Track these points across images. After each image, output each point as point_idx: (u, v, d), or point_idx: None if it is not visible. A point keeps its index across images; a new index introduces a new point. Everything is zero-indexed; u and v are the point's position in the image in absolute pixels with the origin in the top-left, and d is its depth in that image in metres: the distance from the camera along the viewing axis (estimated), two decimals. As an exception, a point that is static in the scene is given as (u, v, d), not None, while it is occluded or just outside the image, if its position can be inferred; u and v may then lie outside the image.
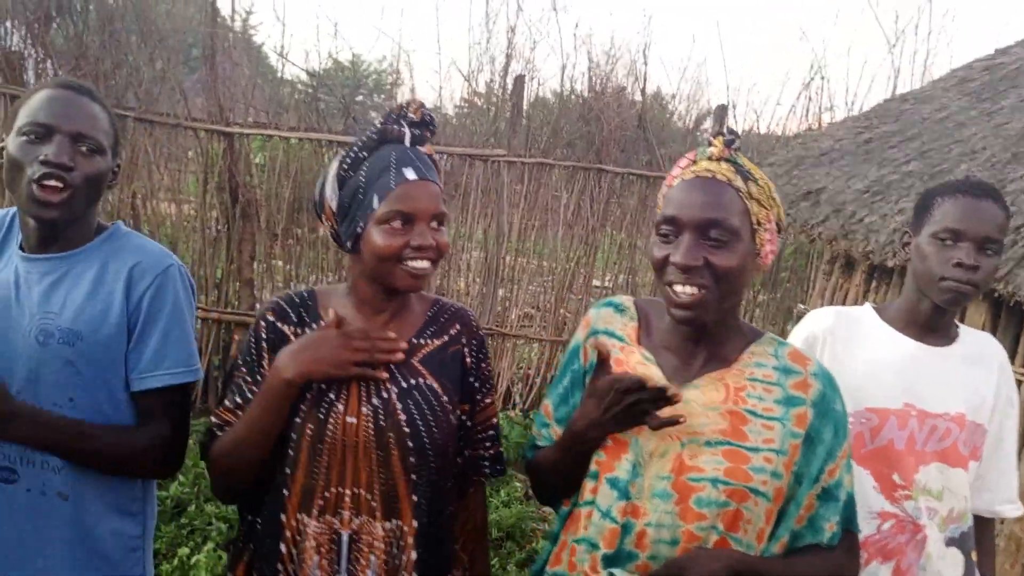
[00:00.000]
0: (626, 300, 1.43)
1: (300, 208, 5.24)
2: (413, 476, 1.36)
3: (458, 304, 1.55)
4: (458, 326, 1.49)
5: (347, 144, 5.22)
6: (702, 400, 1.25)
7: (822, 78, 6.06)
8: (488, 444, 1.53)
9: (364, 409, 1.35)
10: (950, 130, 3.82)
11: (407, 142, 1.37)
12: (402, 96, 5.93)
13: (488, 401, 1.53)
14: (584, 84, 5.66)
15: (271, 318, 1.42)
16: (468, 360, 1.48)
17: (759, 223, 1.23)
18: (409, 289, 1.37)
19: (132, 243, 1.53)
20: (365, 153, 1.34)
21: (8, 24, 4.69)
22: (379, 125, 1.37)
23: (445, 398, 1.41)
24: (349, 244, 1.37)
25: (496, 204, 5.43)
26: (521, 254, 5.68)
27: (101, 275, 1.47)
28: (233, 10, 4.76)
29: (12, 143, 1.38)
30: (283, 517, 1.35)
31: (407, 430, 1.35)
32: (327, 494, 1.34)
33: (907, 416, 1.59)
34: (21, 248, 1.48)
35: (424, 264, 1.33)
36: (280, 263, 5.37)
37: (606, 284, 5.96)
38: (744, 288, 1.25)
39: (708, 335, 1.29)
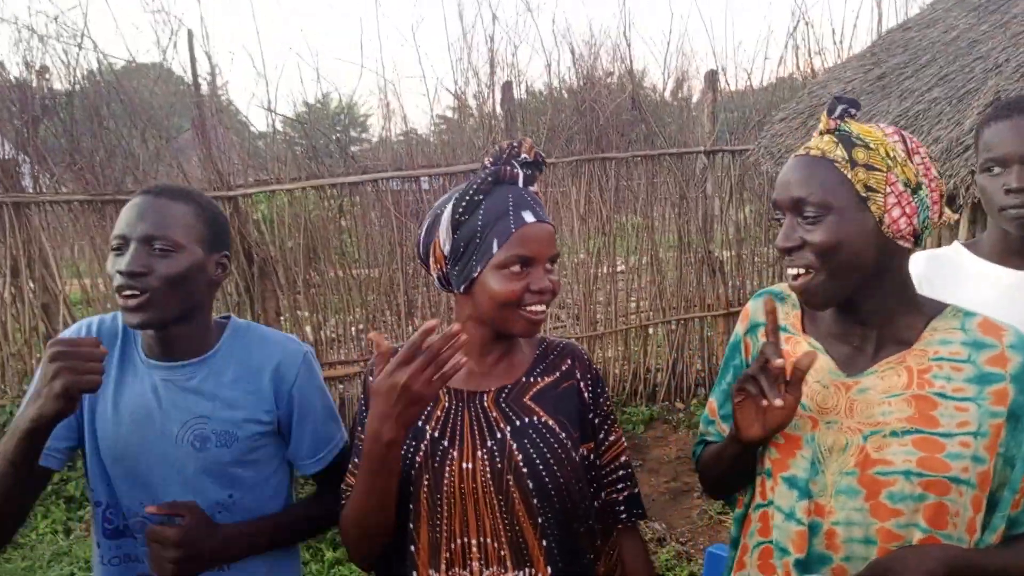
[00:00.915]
0: (786, 288, 1.35)
1: (316, 257, 5.23)
2: (540, 520, 1.31)
3: (567, 340, 1.50)
4: (569, 361, 1.44)
5: (349, 185, 5.25)
6: (881, 387, 1.18)
7: (806, 24, 5.98)
8: (620, 486, 1.46)
9: (479, 453, 1.31)
10: (965, 49, 3.74)
11: (520, 183, 1.34)
12: (395, 127, 5.90)
13: (613, 439, 1.46)
14: (572, 77, 5.62)
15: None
16: (585, 395, 1.42)
17: (869, 188, 1.14)
18: (526, 335, 1.34)
19: (259, 336, 1.55)
20: (480, 196, 1.31)
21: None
22: (491, 166, 1.34)
23: (563, 435, 1.35)
24: (463, 287, 1.33)
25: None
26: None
27: (243, 374, 1.49)
28: (210, 74, 4.73)
29: (108, 262, 1.40)
30: (414, 575, 1.32)
31: (525, 470, 1.30)
32: (453, 546, 1.30)
33: None
34: (148, 356, 1.47)
35: (542, 308, 1.31)
36: (307, 313, 5.36)
37: (631, 267, 5.92)
38: (867, 263, 1.15)
39: (875, 316, 1.21)
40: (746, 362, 1.37)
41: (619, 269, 5.89)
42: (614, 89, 5.85)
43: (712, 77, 5.85)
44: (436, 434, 1.33)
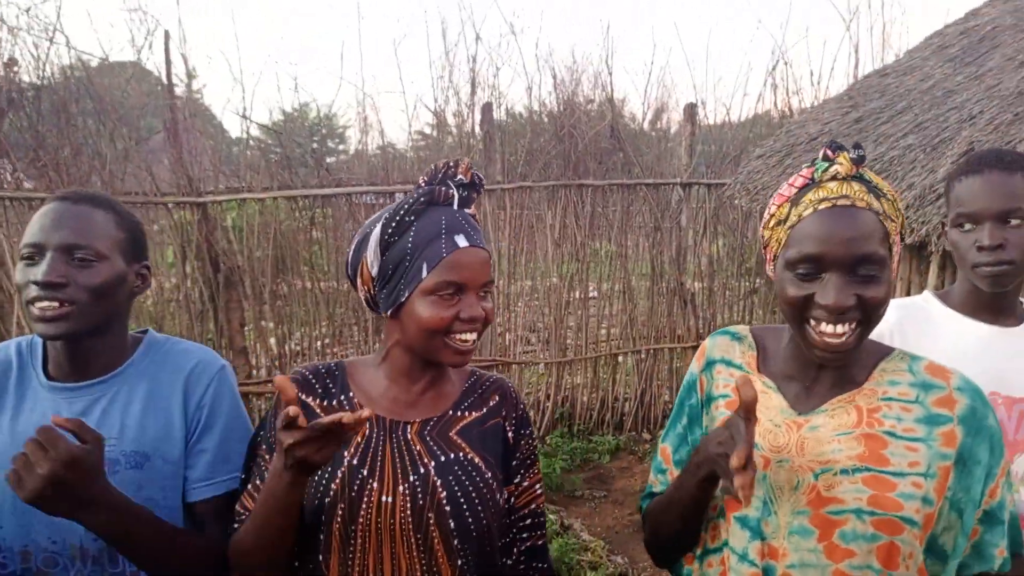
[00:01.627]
0: (742, 329, 1.35)
1: (284, 268, 5.12)
2: (459, 562, 1.24)
3: (496, 375, 1.46)
4: (497, 398, 1.39)
5: (322, 197, 5.16)
6: (832, 425, 1.16)
7: (785, 63, 6.07)
8: (525, 535, 1.39)
9: (401, 487, 1.23)
10: (940, 98, 3.81)
11: (455, 204, 1.28)
12: (372, 140, 5.83)
13: (527, 484, 1.38)
14: (552, 102, 5.61)
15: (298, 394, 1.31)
16: (509, 436, 1.36)
17: (894, 241, 1.14)
18: (454, 365, 1.27)
19: (175, 348, 1.46)
20: (411, 217, 1.24)
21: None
22: (425, 186, 1.27)
23: (488, 474, 1.29)
24: (391, 310, 1.27)
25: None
26: (513, 279, 5.60)
27: (153, 388, 1.39)
28: (186, 77, 4.63)
29: (16, 270, 1.31)
30: None
31: (448, 508, 1.23)
32: None
33: (994, 404, 1.52)
34: (51, 379, 1.37)
35: (472, 336, 1.25)
36: (272, 325, 5.24)
37: (604, 294, 5.89)
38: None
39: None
40: (700, 400, 1.33)
41: (591, 296, 5.86)
42: (594, 116, 5.86)
43: (691, 110, 5.90)
44: (355, 462, 1.25)
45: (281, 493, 1.12)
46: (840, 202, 1.11)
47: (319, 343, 5.35)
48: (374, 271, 1.27)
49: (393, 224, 1.24)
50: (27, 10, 4.35)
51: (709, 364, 1.33)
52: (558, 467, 4.93)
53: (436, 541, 1.22)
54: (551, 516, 4.29)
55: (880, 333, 1.60)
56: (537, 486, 1.39)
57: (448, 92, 5.36)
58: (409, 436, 1.28)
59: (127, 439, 1.34)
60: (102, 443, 1.18)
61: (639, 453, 5.44)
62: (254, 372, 5.26)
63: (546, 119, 5.69)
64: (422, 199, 1.25)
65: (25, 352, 1.41)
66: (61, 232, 1.28)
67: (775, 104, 6.22)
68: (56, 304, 1.26)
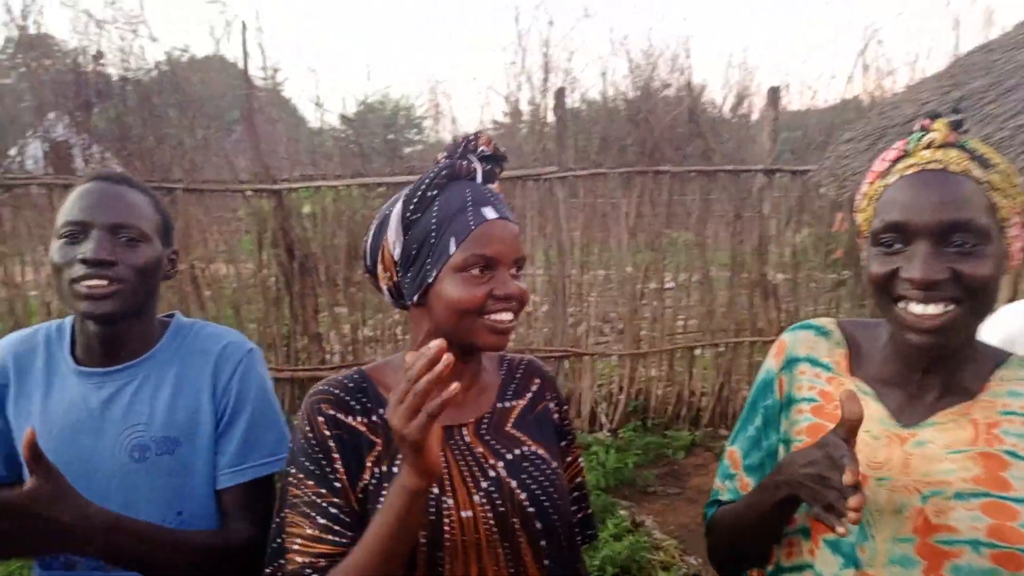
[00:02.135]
0: (828, 323, 1.19)
1: (357, 255, 5.15)
2: (546, 562, 1.15)
3: (525, 355, 1.36)
4: (538, 380, 1.31)
5: (395, 185, 5.16)
6: (943, 441, 1.01)
7: (878, 42, 5.72)
8: (577, 508, 1.33)
9: (476, 497, 1.13)
10: (1053, 73, 3.47)
11: (478, 178, 1.18)
12: (445, 129, 5.81)
13: (571, 459, 1.34)
14: (627, 86, 5.46)
15: (331, 411, 1.14)
16: (555, 417, 1.30)
17: (1005, 219, 0.99)
18: (492, 348, 1.14)
19: (204, 332, 1.43)
20: (434, 191, 1.14)
21: (52, 115, 4.72)
22: (445, 160, 1.18)
23: (555, 463, 1.22)
24: (415, 298, 1.16)
25: (553, 222, 5.25)
26: (586, 269, 5.48)
27: (182, 372, 1.36)
28: (264, 68, 4.70)
29: (53, 248, 1.27)
30: None
31: (532, 510, 1.14)
32: None
33: None
34: (80, 364, 1.35)
35: (508, 316, 1.13)
36: (345, 311, 5.29)
37: (680, 285, 5.70)
38: (994, 302, 1.00)
39: (942, 362, 1.04)
40: (779, 401, 1.19)
41: (667, 286, 5.68)
42: (671, 101, 5.67)
43: (774, 93, 5.62)
44: None
45: (404, 507, 0.98)
46: (930, 166, 0.98)
47: (394, 329, 5.37)
48: (396, 253, 1.15)
49: (415, 200, 1.14)
50: (112, 2, 4.50)
51: (790, 362, 1.19)
52: (630, 462, 4.79)
53: (523, 546, 1.14)
54: (622, 512, 4.17)
55: (1011, 338, 1.40)
56: (579, 458, 1.36)
57: (520, 78, 5.28)
58: (468, 439, 1.18)
59: (157, 424, 1.31)
60: (53, 472, 1.07)
61: (716, 450, 5.24)
62: (327, 357, 5.33)
63: (621, 104, 5.54)
64: (443, 172, 1.15)
65: (53, 337, 1.39)
66: (107, 211, 1.26)
67: (865, 87, 5.87)
68: (105, 282, 1.23)
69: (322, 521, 1.09)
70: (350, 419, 1.15)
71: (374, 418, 1.16)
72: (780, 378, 1.19)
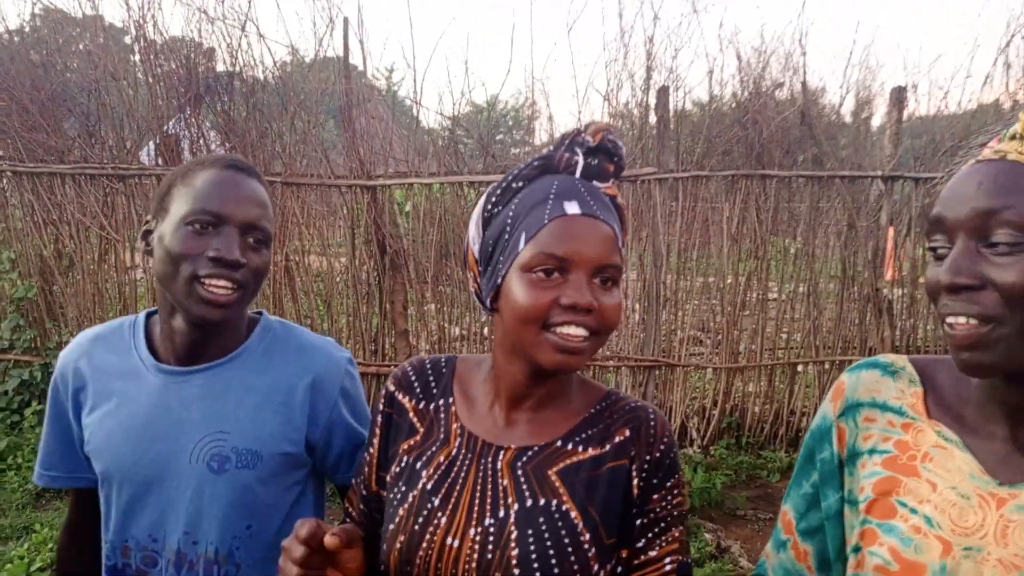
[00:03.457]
0: (898, 359, 1.00)
1: (448, 253, 5.12)
2: None
3: (640, 403, 1.09)
4: (627, 433, 1.04)
5: (488, 184, 5.08)
6: None
7: (1023, 38, 5.19)
8: None
9: (472, 531, 0.99)
10: None
11: (578, 173, 1.02)
12: (542, 128, 5.70)
13: (657, 557, 1.01)
14: (736, 85, 5.17)
15: (391, 387, 1.13)
16: (636, 484, 1.02)
17: None
18: (557, 368, 0.96)
19: (299, 340, 1.33)
20: (520, 183, 1.01)
21: (164, 108, 4.92)
22: (546, 151, 1.04)
23: (586, 536, 0.98)
24: (488, 301, 1.03)
25: (650, 225, 5.04)
26: (683, 275, 5.24)
27: (271, 381, 1.26)
28: (365, 65, 4.73)
29: (173, 233, 1.15)
30: None
31: (516, 571, 0.95)
32: None
33: None
34: (160, 361, 1.26)
35: (577, 331, 0.94)
36: (433, 307, 5.27)
37: (784, 296, 5.36)
38: None
39: None
40: (839, 455, 0.99)
41: (771, 297, 5.36)
42: (782, 101, 5.34)
43: (899, 94, 5.19)
44: (430, 485, 1.03)
45: None
46: (988, 156, 0.81)
47: (481, 329, 5.31)
48: (476, 250, 1.04)
49: (498, 194, 1.02)
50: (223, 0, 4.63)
51: (851, 408, 1.00)
52: (719, 482, 4.53)
53: None
54: (706, 536, 3.93)
55: None
56: (668, 560, 1.02)
57: (622, 76, 5.09)
58: (499, 465, 1.03)
59: (239, 434, 1.22)
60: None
61: (815, 475, 4.89)
62: (414, 354, 5.32)
63: (728, 104, 5.26)
64: (536, 164, 1.01)
65: (127, 333, 1.30)
66: (245, 208, 1.16)
67: (1007, 87, 5.34)
68: (231, 286, 1.14)
69: (358, 480, 1.16)
70: (405, 399, 1.12)
71: (430, 405, 1.10)
72: (839, 426, 1.00)
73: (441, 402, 1.10)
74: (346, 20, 4.90)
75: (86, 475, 1.29)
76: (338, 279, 5.17)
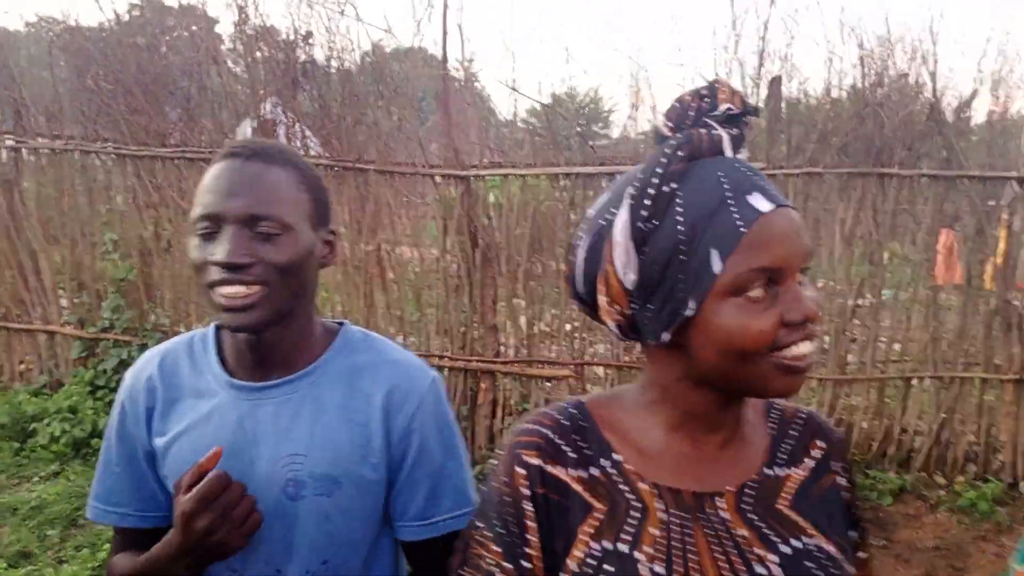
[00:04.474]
0: None
1: (540, 248, 4.95)
2: None
3: (799, 406, 0.99)
4: (822, 443, 0.95)
5: (586, 176, 4.90)
6: None
7: None
8: None
9: None
10: None
11: (727, 150, 0.83)
12: (643, 118, 5.46)
13: (867, 558, 0.98)
14: (857, 76, 4.80)
15: (535, 460, 0.88)
16: (844, 496, 0.94)
17: None
18: (786, 392, 0.82)
19: (378, 352, 1.20)
20: (672, 184, 0.80)
21: (261, 94, 4.91)
22: (674, 134, 0.83)
23: (848, 568, 0.87)
24: (667, 335, 0.83)
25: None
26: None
27: (349, 399, 1.14)
28: (462, 52, 4.61)
29: (190, 244, 1.08)
30: None
31: None
32: None
33: None
34: (232, 376, 1.16)
35: (807, 347, 0.79)
36: (523, 303, 5.12)
37: (901, 303, 4.98)
38: None
39: None
40: None
41: (885, 305, 4.98)
42: (907, 94, 4.93)
43: (1042, 87, 4.73)
44: (658, 568, 0.82)
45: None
46: None
47: (568, 326, 5.13)
48: (629, 280, 0.84)
49: (647, 204, 0.81)
50: (323, -17, 4.57)
51: None
52: (826, 502, 4.22)
53: None
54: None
55: None
56: (869, 557, 1.00)
57: (731, 64, 4.80)
58: (725, 515, 0.86)
59: (316, 457, 1.10)
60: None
61: (931, 500, 4.52)
62: (502, 350, 5.19)
63: (846, 96, 4.90)
64: (679, 153, 0.81)
65: (198, 346, 1.20)
66: (239, 199, 1.04)
67: None
68: (243, 289, 1.03)
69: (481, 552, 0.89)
70: (560, 471, 0.88)
71: (594, 471, 0.88)
72: None
73: (605, 462, 0.89)
74: (445, 3, 4.77)
75: (160, 513, 1.18)
76: (428, 269, 5.07)
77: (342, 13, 4.67)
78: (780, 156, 4.76)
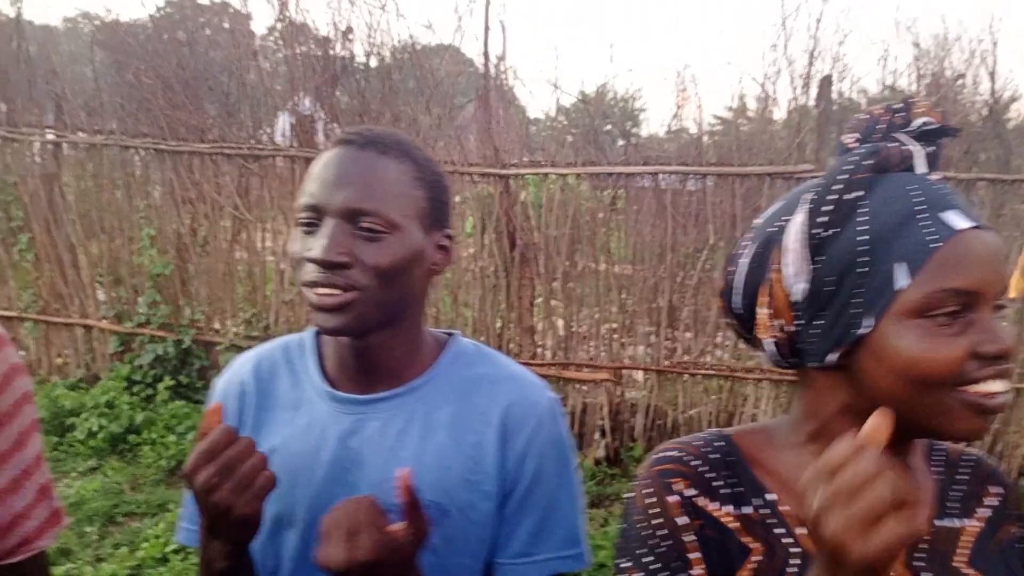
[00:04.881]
0: None
1: (579, 248, 4.86)
2: None
3: (962, 447, 0.89)
4: (994, 488, 0.86)
5: (626, 176, 4.79)
6: None
7: None
8: None
9: None
10: None
11: (920, 167, 0.77)
12: (690, 116, 5.33)
13: None
14: (912, 76, 4.65)
15: (689, 491, 0.81)
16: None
17: None
18: (970, 436, 0.74)
19: (491, 363, 1.10)
20: (857, 192, 0.74)
21: (300, 90, 4.87)
22: (861, 145, 0.77)
23: None
24: (835, 356, 0.76)
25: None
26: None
27: (460, 418, 1.03)
28: (503, 53, 4.52)
29: (292, 234, 1.00)
30: None
31: None
32: None
33: None
34: (333, 386, 1.06)
35: (1000, 386, 0.71)
36: (561, 305, 5.03)
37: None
38: None
39: None
40: None
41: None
42: (964, 94, 4.77)
43: (1107, 88, 4.54)
44: None
45: None
46: None
47: (605, 328, 5.04)
48: (798, 291, 0.77)
49: (827, 207, 0.75)
50: (365, -22, 4.51)
51: None
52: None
53: None
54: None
55: None
56: None
57: (780, 63, 4.66)
58: (896, 573, 0.78)
59: (424, 482, 0.98)
60: (424, 526, 0.89)
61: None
62: (539, 351, 5.11)
63: (900, 97, 4.74)
64: (865, 163, 0.74)
65: (295, 352, 1.11)
66: (344, 191, 0.94)
67: None
68: (336, 291, 0.94)
69: None
70: (714, 507, 0.80)
71: (747, 510, 0.80)
72: None
73: (757, 501, 0.81)
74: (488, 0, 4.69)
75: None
76: (465, 269, 5.01)
77: (383, 8, 4.61)
78: (829, 158, 4.62)
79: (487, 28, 4.65)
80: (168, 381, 4.97)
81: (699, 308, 4.87)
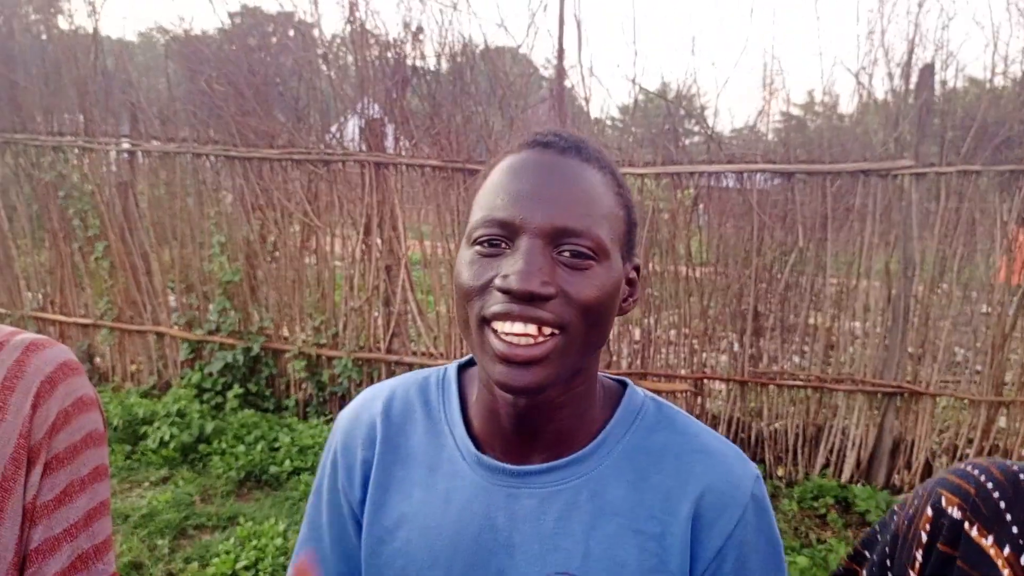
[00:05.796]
0: None
1: (657, 250, 4.63)
2: None
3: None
4: None
5: (709, 175, 4.55)
6: None
7: None
8: None
9: None
10: None
11: None
12: (777, 111, 5.05)
13: None
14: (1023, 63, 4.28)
15: (956, 513, 0.70)
16: None
17: None
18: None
19: (678, 430, 0.88)
20: None
21: (369, 93, 4.77)
22: None
23: None
24: None
25: (901, 227, 4.29)
26: (937, 288, 4.43)
27: (638, 503, 0.83)
28: (579, 44, 4.33)
29: (460, 259, 0.79)
30: None
31: None
32: None
33: None
34: (482, 450, 0.87)
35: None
36: (637, 312, 4.80)
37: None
38: None
39: None
40: None
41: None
42: (1082, 81, 4.37)
43: None
44: None
45: None
46: None
47: (683, 333, 4.79)
48: None
49: None
50: (435, -24, 4.39)
51: None
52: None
53: None
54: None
55: None
56: None
57: (876, 52, 4.35)
58: None
59: (592, 572, 0.80)
60: None
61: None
62: (613, 359, 4.89)
63: (1010, 87, 4.38)
64: None
65: (434, 392, 0.92)
66: (547, 206, 0.75)
67: None
68: (534, 332, 0.74)
69: None
70: (987, 541, 0.69)
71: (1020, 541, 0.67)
72: None
73: None
74: (562, -3, 4.52)
75: None
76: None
77: (454, 7, 4.48)
78: (931, 153, 4.28)
79: (562, 24, 4.49)
80: (237, 389, 4.92)
81: (785, 314, 4.59)
